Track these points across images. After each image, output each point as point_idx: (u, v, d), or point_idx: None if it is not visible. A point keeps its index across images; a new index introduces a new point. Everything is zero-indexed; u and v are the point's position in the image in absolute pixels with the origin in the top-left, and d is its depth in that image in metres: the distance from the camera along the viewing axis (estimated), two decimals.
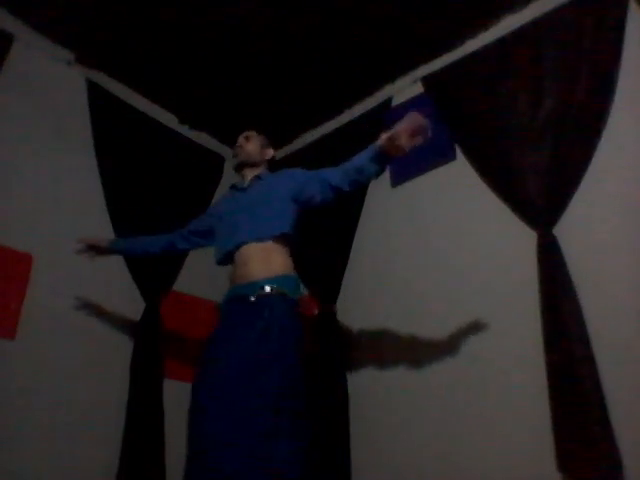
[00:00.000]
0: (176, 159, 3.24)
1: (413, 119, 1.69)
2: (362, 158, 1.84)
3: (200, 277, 3.14)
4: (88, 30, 2.77)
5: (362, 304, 2.85)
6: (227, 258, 2.05)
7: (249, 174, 2.22)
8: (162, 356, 2.72)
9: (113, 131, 2.94)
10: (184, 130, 3.39)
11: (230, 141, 3.57)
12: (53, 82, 2.81)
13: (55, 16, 2.68)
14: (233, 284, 1.98)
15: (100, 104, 2.93)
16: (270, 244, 1.96)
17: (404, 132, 1.68)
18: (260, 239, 1.96)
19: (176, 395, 2.73)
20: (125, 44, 2.84)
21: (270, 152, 2.30)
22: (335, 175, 1.92)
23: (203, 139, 3.51)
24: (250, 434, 1.62)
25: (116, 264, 2.76)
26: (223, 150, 3.60)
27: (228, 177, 3.57)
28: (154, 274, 2.88)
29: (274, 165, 2.35)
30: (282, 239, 1.99)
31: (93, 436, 2.42)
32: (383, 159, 1.80)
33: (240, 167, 2.24)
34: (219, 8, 2.65)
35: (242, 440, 1.61)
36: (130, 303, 2.76)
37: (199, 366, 1.84)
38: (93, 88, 2.94)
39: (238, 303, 1.89)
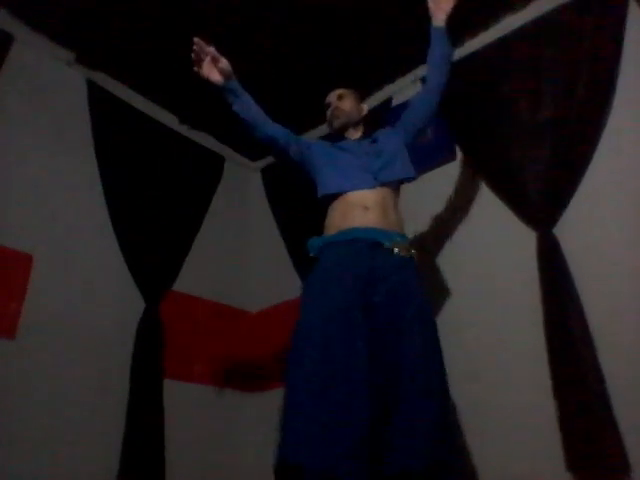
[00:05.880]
0: (176, 159, 3.24)
1: None
2: (432, 51, 2.04)
3: (200, 277, 3.14)
4: (88, 30, 2.76)
5: None
6: (337, 195, 1.89)
7: (353, 135, 2.06)
8: (162, 356, 2.72)
9: (113, 131, 2.93)
10: (184, 130, 3.39)
11: (230, 141, 3.61)
12: (53, 82, 2.80)
13: (55, 16, 2.68)
14: (356, 225, 1.79)
15: (100, 104, 2.93)
16: (394, 194, 1.92)
17: None
18: (392, 183, 1.91)
19: (176, 395, 2.73)
20: (125, 44, 2.83)
21: (365, 107, 2.17)
22: (425, 87, 2.10)
23: (203, 139, 3.51)
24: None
25: (116, 264, 2.77)
26: (223, 150, 3.60)
27: (228, 177, 3.57)
28: (154, 274, 2.89)
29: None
30: (398, 191, 1.97)
31: (93, 436, 2.42)
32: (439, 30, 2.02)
33: (342, 130, 2.05)
34: (219, 9, 2.65)
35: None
36: (130, 303, 2.76)
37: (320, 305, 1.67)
38: (93, 88, 2.94)
39: (366, 247, 1.75)
